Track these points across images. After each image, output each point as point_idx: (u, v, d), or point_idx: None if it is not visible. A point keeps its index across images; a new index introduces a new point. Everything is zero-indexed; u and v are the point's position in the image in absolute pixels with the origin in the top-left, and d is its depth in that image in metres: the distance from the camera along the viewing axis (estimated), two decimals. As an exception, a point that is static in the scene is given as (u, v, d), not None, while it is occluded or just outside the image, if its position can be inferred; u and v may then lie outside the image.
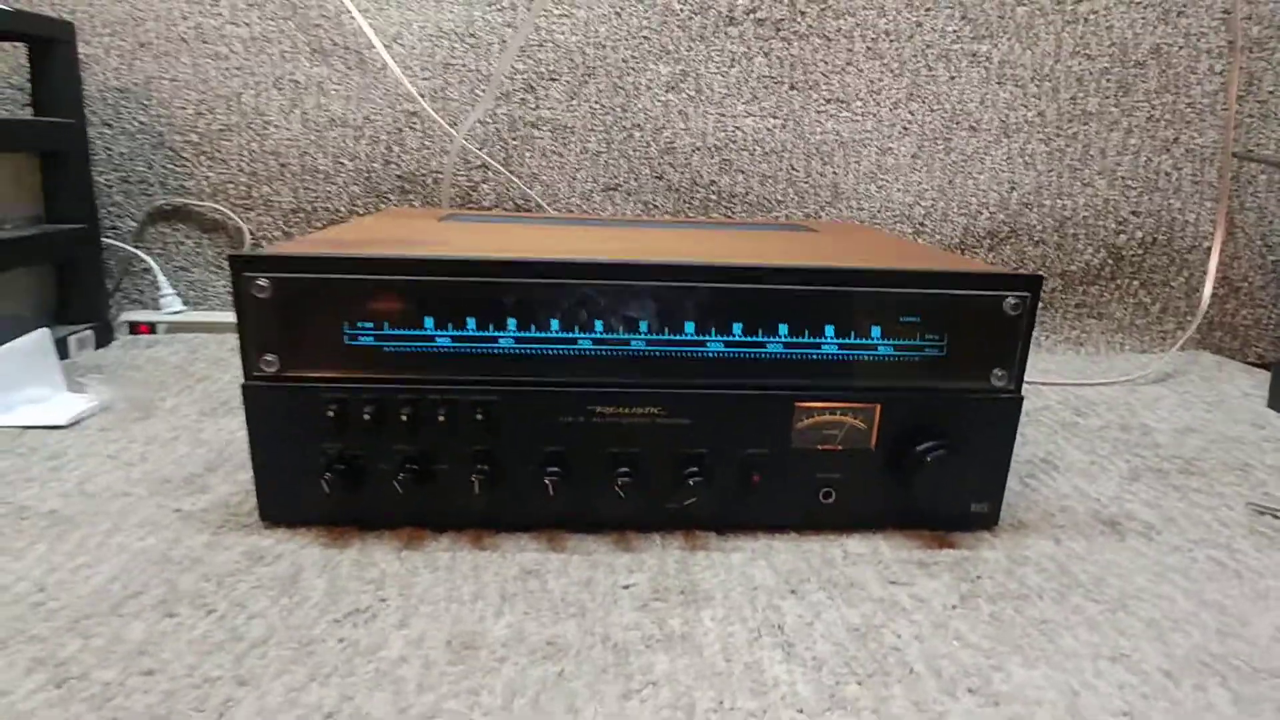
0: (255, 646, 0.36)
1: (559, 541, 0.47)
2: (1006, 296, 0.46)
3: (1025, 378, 0.48)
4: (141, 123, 0.91)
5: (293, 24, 0.89)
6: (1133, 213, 0.96)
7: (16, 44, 0.85)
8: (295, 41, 0.89)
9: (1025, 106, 0.93)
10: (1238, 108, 0.93)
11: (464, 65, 0.90)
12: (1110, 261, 0.97)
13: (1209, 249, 0.96)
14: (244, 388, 0.45)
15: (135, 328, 0.90)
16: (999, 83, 0.92)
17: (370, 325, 0.44)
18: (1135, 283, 0.98)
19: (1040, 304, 0.98)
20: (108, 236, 0.91)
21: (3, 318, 0.75)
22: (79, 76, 0.83)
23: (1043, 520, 0.52)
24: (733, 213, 0.95)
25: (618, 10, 0.89)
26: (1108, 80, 0.92)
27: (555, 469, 0.46)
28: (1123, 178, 0.95)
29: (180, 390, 0.72)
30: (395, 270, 0.44)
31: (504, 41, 0.89)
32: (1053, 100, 0.93)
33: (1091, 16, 0.91)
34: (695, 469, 0.46)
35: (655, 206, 0.94)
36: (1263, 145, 0.94)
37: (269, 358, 0.44)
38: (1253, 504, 0.56)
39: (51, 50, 0.79)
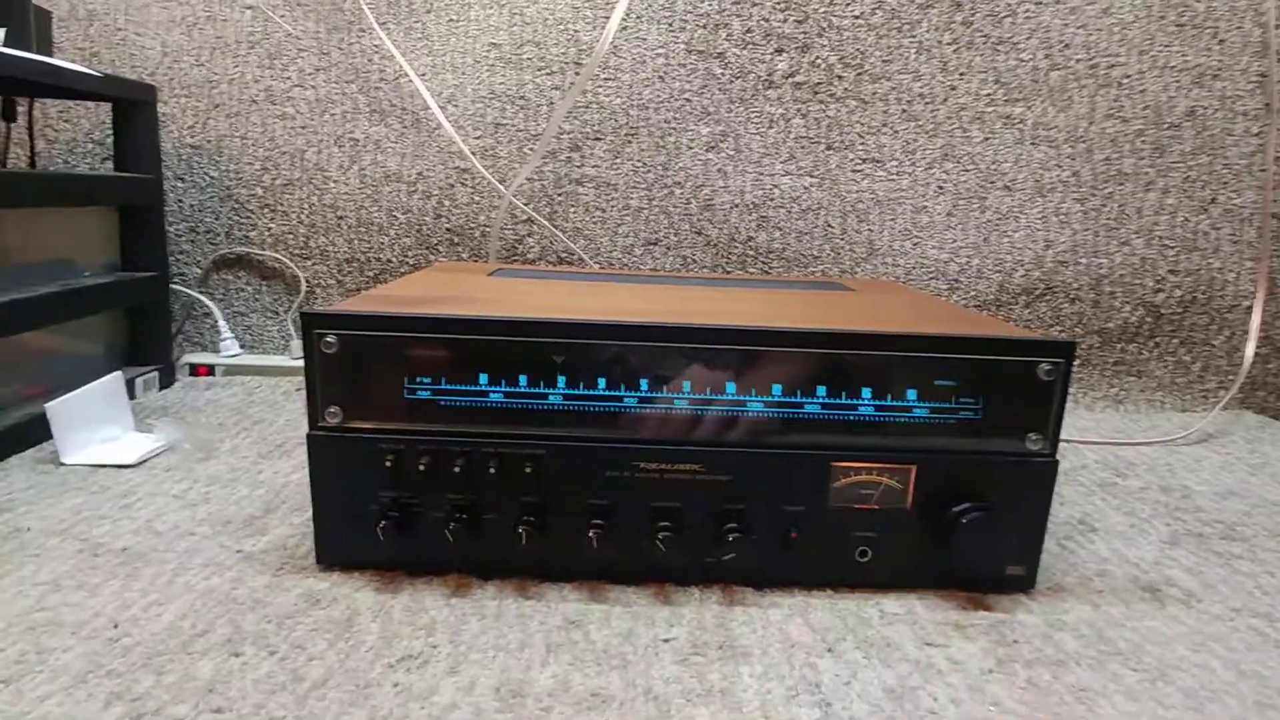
0: (315, 688, 0.38)
1: (600, 592, 0.48)
2: (1041, 362, 0.47)
3: (1062, 435, 0.48)
4: (212, 177, 0.97)
5: (355, 87, 0.95)
6: (1171, 271, 0.96)
7: (101, 103, 0.92)
8: (356, 103, 0.95)
9: (1059, 167, 0.94)
10: (1276, 169, 0.93)
11: (514, 125, 0.94)
12: (1149, 320, 0.97)
13: (1250, 308, 0.95)
14: (309, 437, 0.48)
15: (195, 370, 0.95)
16: (1033, 144, 0.94)
17: (428, 380, 0.47)
18: (1175, 341, 0.98)
19: (1077, 361, 0.98)
20: (174, 282, 0.97)
21: (80, 359, 0.80)
22: (159, 135, 0.89)
23: (1080, 584, 0.52)
24: (769, 267, 0.97)
25: (661, 75, 0.93)
26: (1142, 142, 0.94)
27: (599, 521, 0.48)
28: (1160, 237, 0.95)
29: (238, 432, 0.75)
30: (453, 329, 0.47)
31: (552, 104, 0.94)
32: (1087, 161, 0.94)
33: (1125, 81, 0.93)
34: (734, 525, 0.48)
35: (694, 261, 0.97)
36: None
37: (333, 409, 0.47)
38: (1298, 573, 0.55)
39: (135, 110, 0.85)
